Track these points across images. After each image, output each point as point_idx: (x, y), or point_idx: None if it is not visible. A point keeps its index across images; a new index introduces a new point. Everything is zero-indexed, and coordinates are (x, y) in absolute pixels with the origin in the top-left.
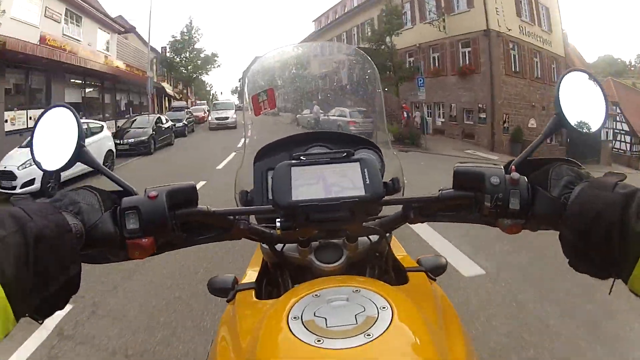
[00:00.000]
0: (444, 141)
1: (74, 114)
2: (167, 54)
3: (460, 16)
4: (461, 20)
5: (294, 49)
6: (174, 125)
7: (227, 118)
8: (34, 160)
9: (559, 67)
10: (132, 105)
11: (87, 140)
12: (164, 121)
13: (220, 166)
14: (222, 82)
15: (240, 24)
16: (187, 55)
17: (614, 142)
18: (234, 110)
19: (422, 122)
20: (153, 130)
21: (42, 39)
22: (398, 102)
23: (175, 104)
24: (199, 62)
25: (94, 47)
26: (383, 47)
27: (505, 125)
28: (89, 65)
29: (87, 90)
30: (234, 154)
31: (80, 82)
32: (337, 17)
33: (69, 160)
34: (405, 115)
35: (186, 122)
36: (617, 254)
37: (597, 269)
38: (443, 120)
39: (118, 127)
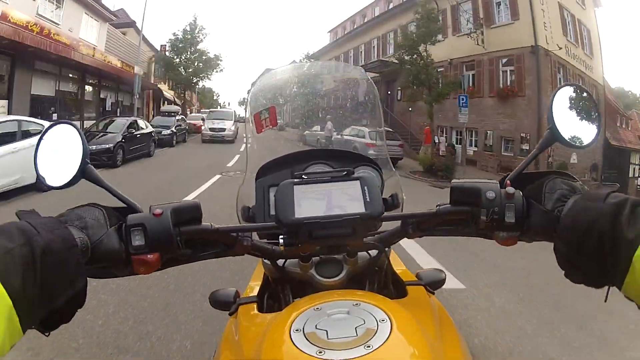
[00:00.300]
0: (477, 174)
1: (78, 131)
2: (166, 53)
3: (502, 29)
4: (503, 34)
5: (295, 67)
6: (159, 132)
7: (223, 130)
8: (38, 176)
9: (598, 96)
10: (120, 105)
11: (17, 145)
12: (142, 127)
13: (192, 194)
14: (232, 93)
15: (253, 35)
16: (188, 56)
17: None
18: (232, 121)
19: (455, 150)
20: (123, 138)
21: (3, 16)
22: (428, 125)
23: (165, 107)
24: (200, 64)
25: (76, 34)
26: (416, 56)
27: (549, 160)
28: (67, 54)
29: (63, 83)
30: (218, 176)
31: (55, 72)
32: (355, 27)
33: (73, 177)
34: (433, 141)
35: (175, 130)
36: (610, 262)
37: (591, 278)
38: (476, 149)
39: (87, 130)
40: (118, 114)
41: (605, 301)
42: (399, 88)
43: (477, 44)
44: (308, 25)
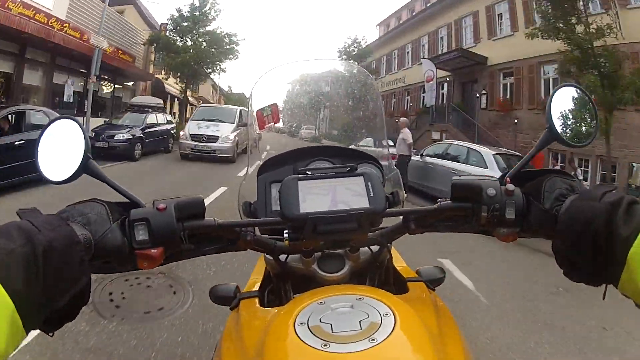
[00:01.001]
0: None
1: (80, 126)
2: (167, 34)
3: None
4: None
5: (298, 66)
6: (110, 137)
7: (215, 139)
8: (39, 171)
9: None
10: (88, 96)
11: None
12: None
13: None
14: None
15: (278, 20)
16: (195, 38)
17: None
18: (234, 125)
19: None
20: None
21: None
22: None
23: (137, 99)
24: (212, 49)
25: None
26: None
27: None
28: None
29: None
30: None
31: None
32: (414, 14)
33: (75, 172)
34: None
35: (141, 135)
36: (605, 260)
37: (589, 277)
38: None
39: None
40: (89, 109)
41: (603, 299)
42: (484, 92)
43: (607, 32)
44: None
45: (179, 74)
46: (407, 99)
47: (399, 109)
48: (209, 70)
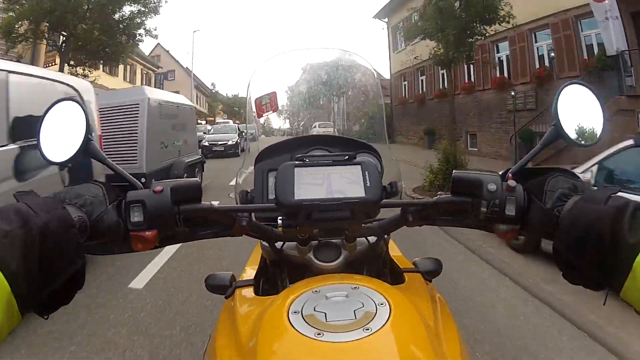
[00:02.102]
0: None
1: (82, 107)
2: None
3: None
4: None
5: (297, 53)
6: None
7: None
8: (40, 152)
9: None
10: None
11: None
12: None
13: None
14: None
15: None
16: None
17: None
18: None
19: None
20: None
21: None
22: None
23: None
24: None
25: None
26: None
27: None
28: None
29: None
30: None
31: None
32: None
33: (75, 153)
34: None
35: None
36: (609, 266)
37: (590, 281)
38: None
39: None
40: None
41: (604, 304)
42: None
43: None
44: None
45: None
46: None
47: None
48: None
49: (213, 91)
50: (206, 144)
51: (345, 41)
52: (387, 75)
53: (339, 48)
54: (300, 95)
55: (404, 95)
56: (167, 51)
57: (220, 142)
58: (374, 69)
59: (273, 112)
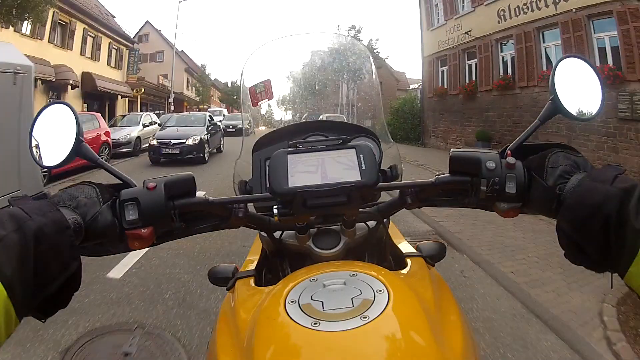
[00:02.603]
0: None
1: (72, 110)
2: None
3: None
4: None
5: (291, 40)
6: None
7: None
8: (32, 156)
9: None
10: None
11: None
12: None
13: None
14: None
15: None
16: None
17: None
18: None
19: None
20: None
21: None
22: None
23: None
24: None
25: None
26: None
27: None
28: None
29: None
30: None
31: None
32: None
33: (67, 156)
34: None
35: None
36: (614, 249)
37: (593, 262)
38: None
39: None
40: None
41: (611, 287)
42: None
43: None
44: None
45: None
46: None
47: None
48: None
49: (203, 75)
50: (155, 143)
51: (365, 16)
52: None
53: (333, 32)
54: (296, 81)
55: (442, 84)
56: (159, 31)
57: (174, 142)
58: (370, 53)
59: (268, 100)
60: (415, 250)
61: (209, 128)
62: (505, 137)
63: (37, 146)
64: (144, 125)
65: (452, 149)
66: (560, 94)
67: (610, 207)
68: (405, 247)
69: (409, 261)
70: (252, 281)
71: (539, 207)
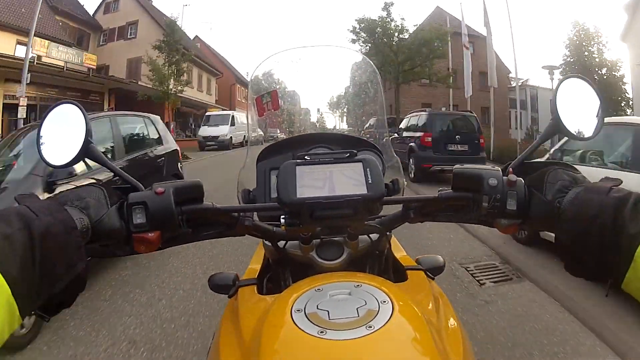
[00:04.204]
0: None
1: (81, 110)
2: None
3: None
4: None
5: (298, 52)
6: None
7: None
8: (40, 155)
9: None
10: None
11: None
12: None
13: None
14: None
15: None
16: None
17: None
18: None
19: None
20: None
21: None
22: None
23: None
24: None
25: None
26: None
27: None
28: None
29: None
30: None
31: None
32: None
33: (76, 156)
34: None
35: None
36: (610, 257)
37: (592, 272)
38: None
39: None
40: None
41: (607, 295)
42: None
43: None
44: None
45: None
46: None
47: None
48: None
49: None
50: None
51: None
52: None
53: (340, 46)
54: (301, 93)
55: None
56: None
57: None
58: (374, 67)
59: (274, 110)
60: (415, 264)
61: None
62: None
63: (44, 144)
64: None
65: (455, 165)
66: (561, 113)
67: (606, 216)
68: (406, 260)
69: (409, 274)
70: (255, 289)
71: (538, 222)
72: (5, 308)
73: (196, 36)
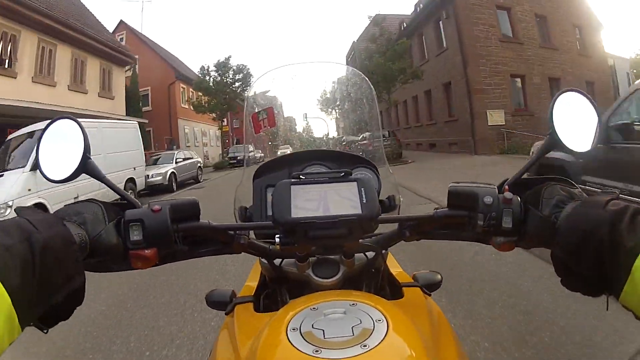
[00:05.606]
0: None
1: (79, 125)
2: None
3: None
4: None
5: (293, 68)
6: None
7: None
8: (39, 170)
9: None
10: None
11: None
12: None
13: None
14: None
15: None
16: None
17: None
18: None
19: None
20: None
21: None
22: None
23: None
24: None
25: None
26: None
27: None
28: None
29: None
30: None
31: None
32: None
33: (74, 171)
34: None
35: None
36: (608, 270)
37: (589, 286)
38: None
39: None
40: None
41: (607, 310)
42: None
43: None
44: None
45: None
46: None
47: None
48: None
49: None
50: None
51: None
52: None
53: (335, 62)
54: (296, 110)
55: None
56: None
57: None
58: (370, 83)
59: (270, 127)
60: (411, 280)
61: None
62: None
63: (43, 159)
64: None
65: (450, 183)
66: (557, 127)
67: (602, 230)
68: (402, 276)
69: (405, 291)
70: (251, 306)
71: (535, 238)
72: (6, 318)
73: (121, 21)
